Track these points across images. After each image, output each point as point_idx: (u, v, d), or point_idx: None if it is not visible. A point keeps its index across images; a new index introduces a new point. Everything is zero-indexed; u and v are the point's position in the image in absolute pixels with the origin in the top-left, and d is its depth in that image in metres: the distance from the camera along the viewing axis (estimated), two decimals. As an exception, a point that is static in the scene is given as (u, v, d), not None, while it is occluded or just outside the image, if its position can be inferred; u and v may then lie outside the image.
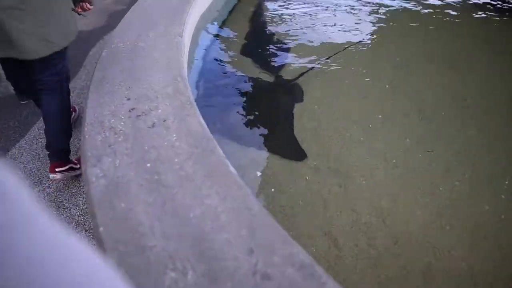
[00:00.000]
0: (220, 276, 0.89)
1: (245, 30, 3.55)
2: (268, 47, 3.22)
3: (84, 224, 1.92)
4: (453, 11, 3.89)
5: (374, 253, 1.66)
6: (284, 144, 2.22)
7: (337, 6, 4.03)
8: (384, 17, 3.83)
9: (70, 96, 2.13)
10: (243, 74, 2.82)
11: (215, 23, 3.51)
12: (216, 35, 3.34)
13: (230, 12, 3.81)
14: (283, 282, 0.88)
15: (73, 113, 2.48)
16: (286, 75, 2.83)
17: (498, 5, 4.07)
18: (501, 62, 3.05)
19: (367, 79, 2.80)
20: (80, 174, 2.12)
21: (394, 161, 2.08)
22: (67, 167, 2.07)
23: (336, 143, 2.21)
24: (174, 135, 1.35)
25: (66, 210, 2.00)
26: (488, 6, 4.05)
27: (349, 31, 3.54)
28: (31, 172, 2.21)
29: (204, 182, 1.14)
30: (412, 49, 3.24)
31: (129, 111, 1.53)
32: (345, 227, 1.75)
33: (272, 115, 2.47)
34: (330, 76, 2.84)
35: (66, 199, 2.06)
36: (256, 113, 2.47)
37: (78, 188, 2.13)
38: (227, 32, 3.46)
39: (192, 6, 2.62)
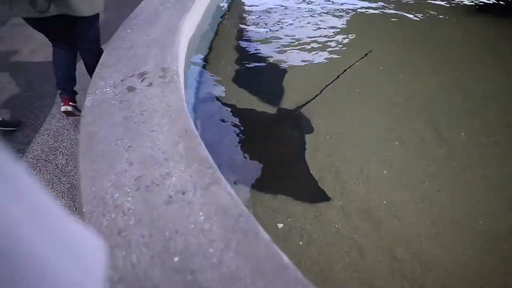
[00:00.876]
0: None
1: (234, 56, 3.33)
2: (262, 73, 3.02)
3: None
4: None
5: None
6: (302, 185, 2.01)
7: (332, 23, 3.92)
8: (382, 32, 3.76)
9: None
10: (241, 107, 2.59)
11: (200, 54, 3.26)
12: (203, 65, 3.09)
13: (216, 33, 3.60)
14: None
15: None
16: (287, 103, 2.64)
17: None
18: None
19: (374, 100, 2.68)
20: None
21: (421, 194, 1.95)
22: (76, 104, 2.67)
23: (358, 178, 2.04)
24: (201, 214, 1.10)
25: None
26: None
27: (347, 50, 3.42)
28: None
29: (255, 283, 0.91)
30: (416, 63, 3.16)
31: (135, 180, 1.26)
32: (387, 277, 1.58)
33: (282, 153, 2.25)
34: (335, 101, 2.68)
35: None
36: (264, 152, 2.23)
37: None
38: (215, 60, 3.22)
39: (180, 34, 2.35)
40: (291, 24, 3.87)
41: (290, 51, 3.36)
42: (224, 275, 0.93)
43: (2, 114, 2.72)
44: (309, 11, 4.21)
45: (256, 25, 3.91)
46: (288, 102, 2.68)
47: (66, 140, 2.65)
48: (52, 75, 2.59)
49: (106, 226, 1.12)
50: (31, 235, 0.23)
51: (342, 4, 4.39)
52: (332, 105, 2.64)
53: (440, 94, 2.79)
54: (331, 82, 2.74)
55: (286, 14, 4.15)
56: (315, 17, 4.07)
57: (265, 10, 4.26)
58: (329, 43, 3.50)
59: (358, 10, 4.27)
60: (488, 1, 4.56)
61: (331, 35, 3.66)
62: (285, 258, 0.95)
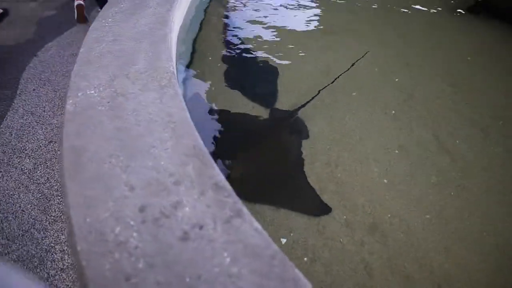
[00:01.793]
0: None
1: (225, 55, 3.10)
2: (253, 72, 2.85)
3: None
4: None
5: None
6: (302, 197, 1.92)
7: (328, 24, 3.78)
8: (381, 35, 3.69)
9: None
10: (233, 111, 2.42)
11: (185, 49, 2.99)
12: (189, 65, 2.84)
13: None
14: None
15: None
16: (282, 106, 2.51)
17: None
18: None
19: (371, 104, 2.62)
20: None
21: (426, 205, 1.94)
22: None
23: (360, 189, 1.99)
24: (226, 255, 0.95)
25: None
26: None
27: (343, 51, 3.30)
28: None
29: None
30: (413, 70, 3.12)
31: (139, 210, 1.07)
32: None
33: (278, 162, 2.13)
34: (332, 105, 2.59)
35: None
36: (260, 160, 2.10)
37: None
38: (203, 59, 2.98)
39: (172, 27, 2.10)
40: (282, 21, 3.69)
41: (281, 50, 3.21)
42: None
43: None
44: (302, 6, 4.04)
45: (245, 15, 3.69)
46: (283, 105, 2.56)
47: (33, 141, 2.32)
48: (13, 62, 2.21)
49: (110, 269, 0.93)
50: None
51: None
52: (328, 110, 2.56)
53: (439, 98, 2.79)
54: (328, 85, 2.65)
55: (277, 10, 3.94)
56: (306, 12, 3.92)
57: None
58: (322, 40, 3.40)
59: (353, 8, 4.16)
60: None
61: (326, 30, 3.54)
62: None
